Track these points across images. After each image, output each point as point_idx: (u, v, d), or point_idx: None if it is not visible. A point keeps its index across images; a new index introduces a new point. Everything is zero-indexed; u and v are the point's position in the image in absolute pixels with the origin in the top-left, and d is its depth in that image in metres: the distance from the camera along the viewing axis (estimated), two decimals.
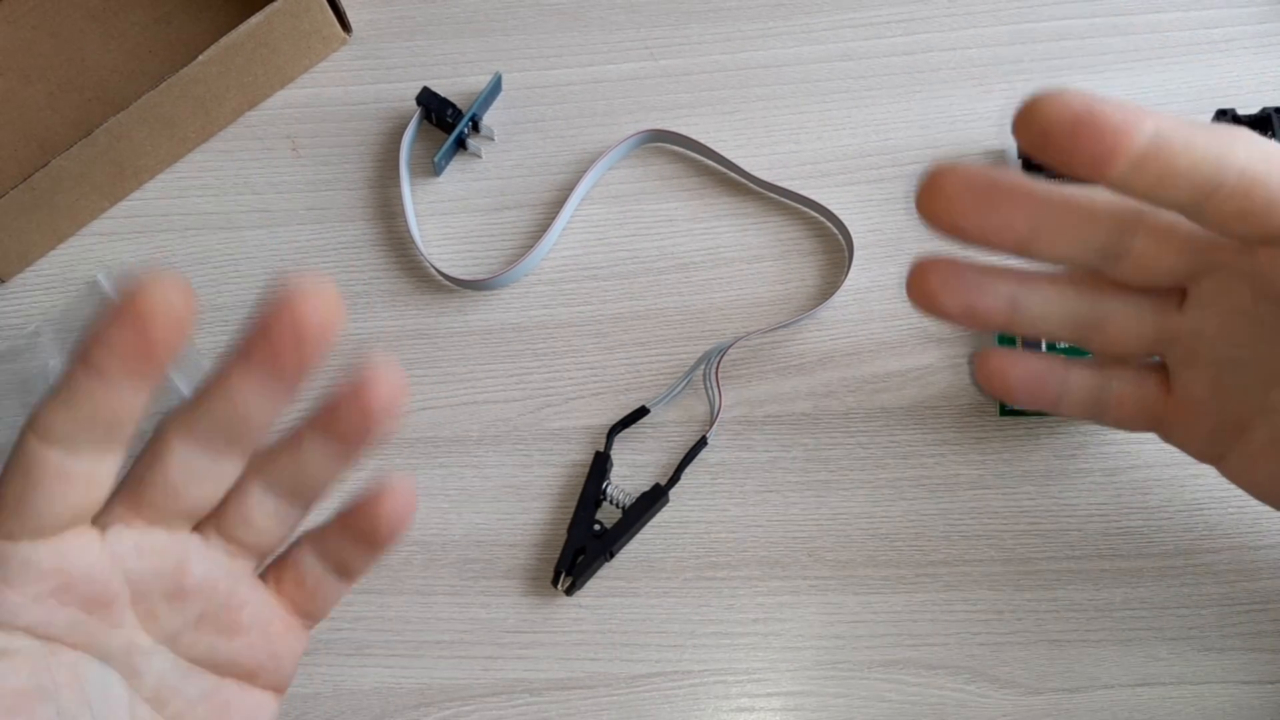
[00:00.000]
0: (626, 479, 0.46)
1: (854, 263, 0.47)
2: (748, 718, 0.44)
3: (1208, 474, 0.44)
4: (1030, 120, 0.27)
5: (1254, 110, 0.45)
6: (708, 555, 0.45)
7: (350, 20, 0.51)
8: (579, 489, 0.45)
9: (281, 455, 0.29)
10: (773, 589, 0.44)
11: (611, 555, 0.45)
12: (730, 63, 0.50)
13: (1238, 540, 0.44)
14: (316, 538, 0.32)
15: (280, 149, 0.51)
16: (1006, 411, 0.45)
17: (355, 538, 0.31)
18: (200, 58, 0.47)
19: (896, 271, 0.47)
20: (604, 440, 0.46)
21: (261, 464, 0.29)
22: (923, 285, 0.33)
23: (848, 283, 0.47)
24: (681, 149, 0.49)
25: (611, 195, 0.49)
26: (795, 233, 0.48)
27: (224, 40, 0.47)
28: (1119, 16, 0.49)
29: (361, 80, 0.51)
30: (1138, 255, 0.31)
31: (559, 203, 0.49)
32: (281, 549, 0.32)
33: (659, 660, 0.44)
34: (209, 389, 0.27)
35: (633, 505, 0.44)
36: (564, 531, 0.45)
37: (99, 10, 0.52)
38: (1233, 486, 0.44)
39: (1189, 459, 0.44)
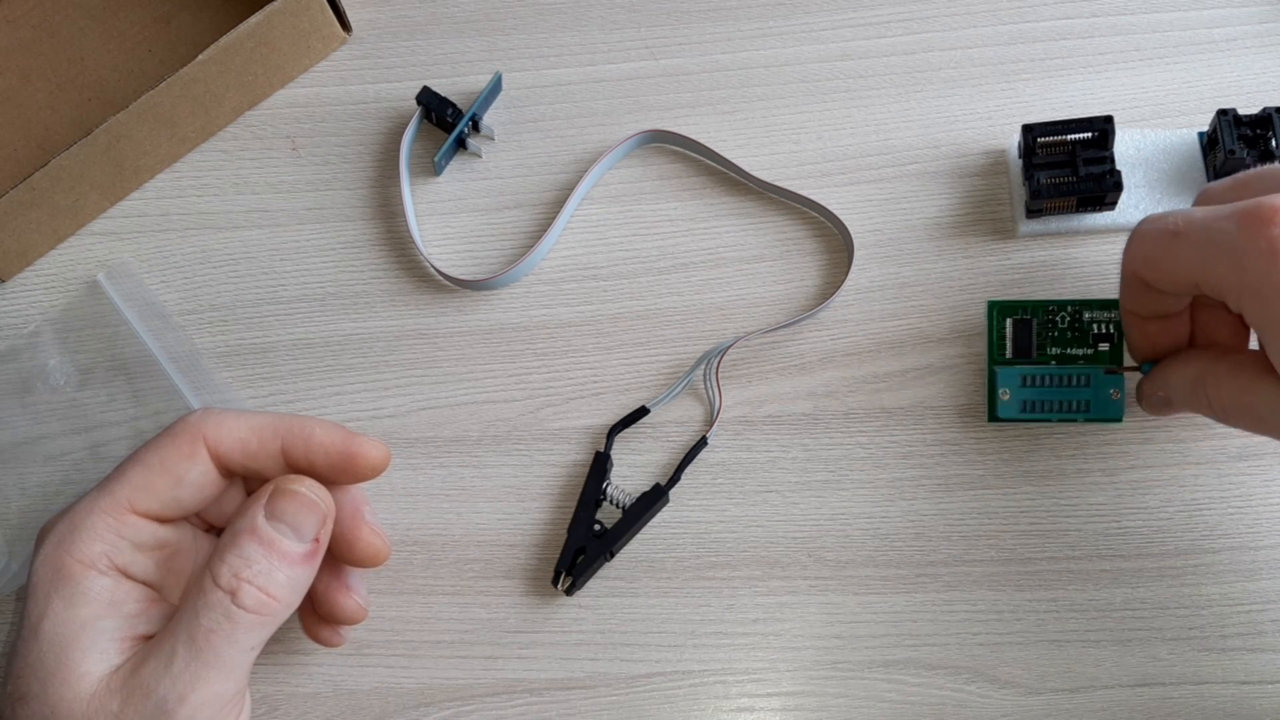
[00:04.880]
0: (626, 479, 0.46)
1: (854, 263, 0.47)
2: (748, 718, 0.44)
3: (1208, 474, 0.44)
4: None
5: (1254, 110, 0.45)
6: (708, 555, 0.45)
7: (350, 20, 0.51)
8: (579, 489, 0.45)
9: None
10: (773, 589, 0.44)
11: (611, 555, 0.45)
12: (730, 63, 0.50)
13: (1238, 540, 0.44)
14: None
15: (280, 148, 0.51)
16: (995, 418, 0.44)
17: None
18: (200, 57, 0.47)
19: (896, 271, 0.47)
20: (604, 440, 0.46)
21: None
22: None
23: (848, 283, 0.47)
24: (681, 149, 0.49)
25: (611, 195, 0.49)
26: (795, 233, 0.48)
27: (224, 39, 0.47)
28: (1119, 16, 0.49)
29: (361, 80, 0.51)
30: None
31: (559, 203, 0.49)
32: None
33: (659, 660, 0.44)
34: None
35: (633, 505, 0.44)
36: (564, 531, 0.45)
37: (99, 10, 0.52)
38: (1233, 486, 0.44)
39: (1189, 459, 0.44)
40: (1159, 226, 0.37)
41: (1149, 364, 0.42)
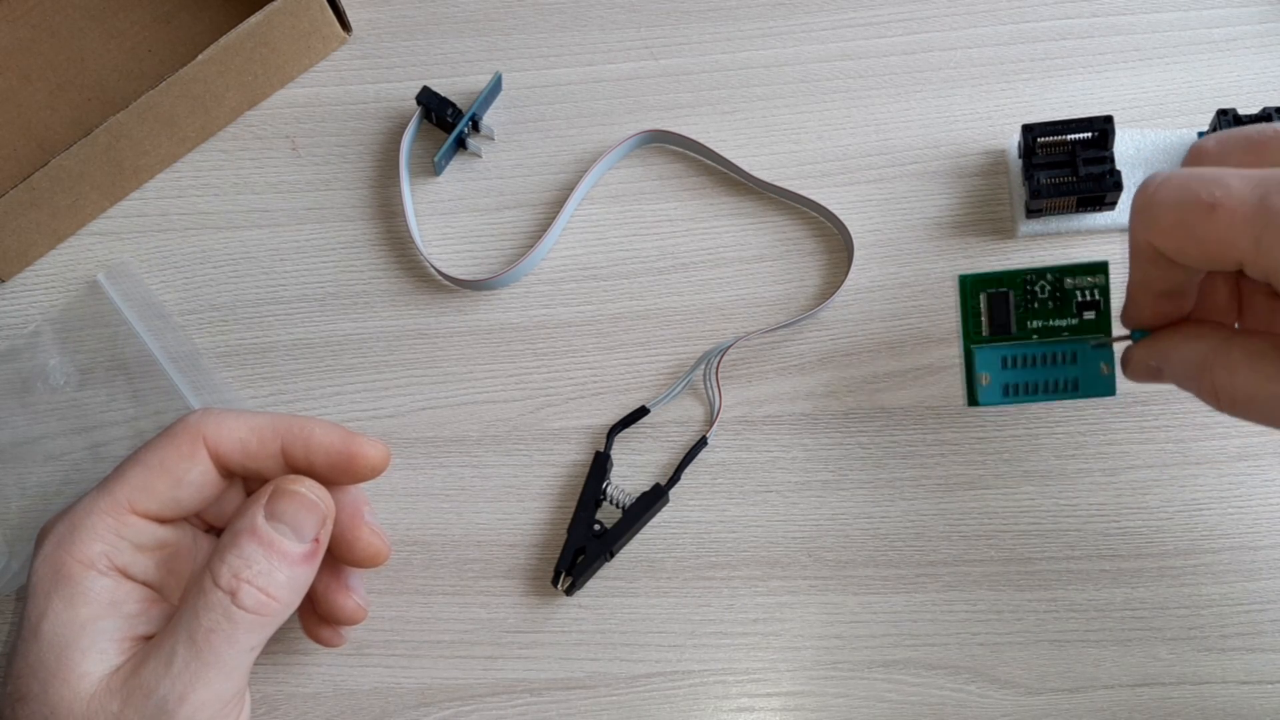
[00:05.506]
0: (626, 479, 0.46)
1: (854, 263, 0.47)
2: (748, 718, 0.44)
3: (1208, 474, 0.44)
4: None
5: (1254, 110, 0.45)
6: (708, 555, 0.45)
7: (350, 19, 0.51)
8: (579, 489, 0.45)
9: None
10: (773, 589, 0.44)
11: (611, 555, 0.45)
12: (730, 63, 0.50)
13: (1238, 540, 0.44)
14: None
15: (280, 148, 0.51)
16: (974, 403, 0.41)
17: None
18: (200, 57, 0.47)
19: (896, 271, 0.47)
20: (604, 440, 0.46)
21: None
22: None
23: (848, 283, 0.47)
24: (681, 149, 0.49)
25: (611, 195, 0.49)
26: (795, 233, 0.48)
27: (224, 39, 0.47)
28: (1119, 16, 0.49)
29: (361, 80, 0.51)
30: None
31: (559, 203, 0.49)
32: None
33: (659, 660, 0.44)
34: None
35: (633, 505, 0.44)
36: (564, 531, 0.45)
37: (99, 10, 0.52)
38: (1232, 486, 0.44)
39: (1189, 458, 0.44)
40: (1186, 195, 0.32)
41: (1140, 332, 0.38)
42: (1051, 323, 0.41)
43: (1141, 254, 0.35)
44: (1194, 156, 0.35)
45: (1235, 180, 0.32)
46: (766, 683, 0.44)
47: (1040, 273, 0.40)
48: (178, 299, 0.49)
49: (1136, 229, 0.34)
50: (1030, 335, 0.41)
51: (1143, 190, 0.34)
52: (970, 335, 0.41)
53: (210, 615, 0.35)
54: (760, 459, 0.46)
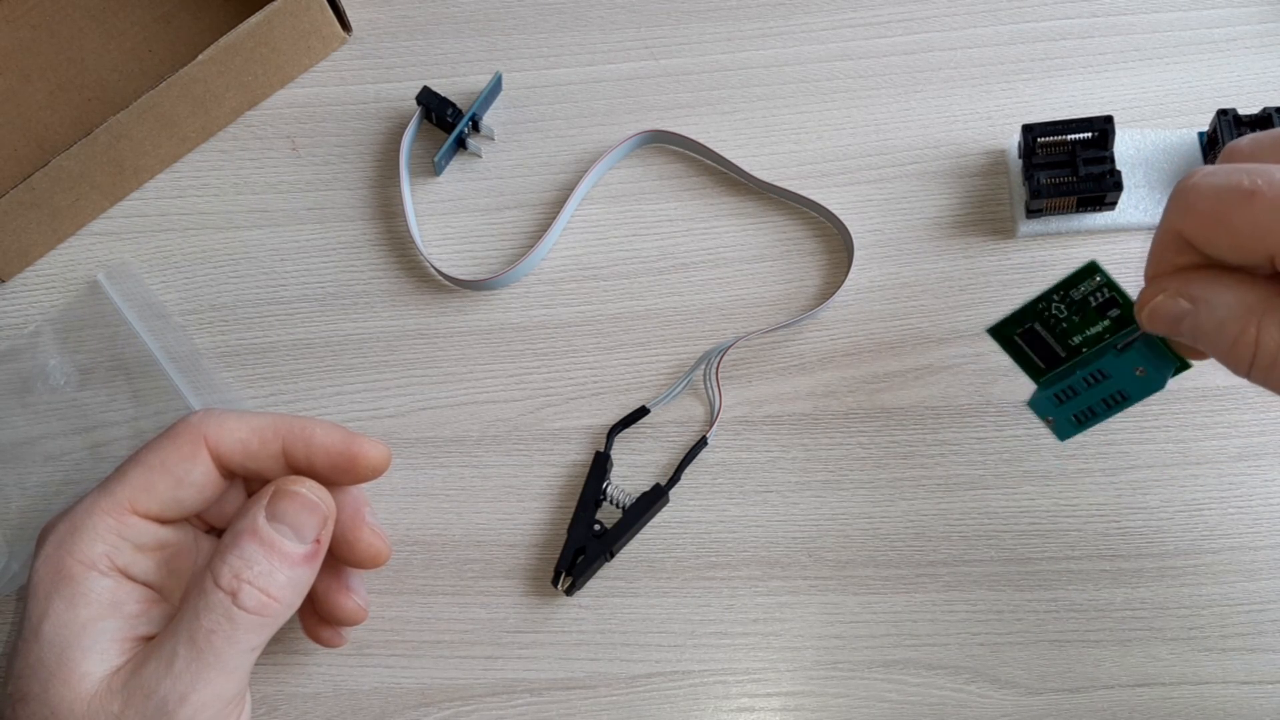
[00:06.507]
0: (626, 479, 0.46)
1: (854, 263, 0.47)
2: (748, 718, 0.44)
3: (1208, 474, 0.44)
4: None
5: (1254, 110, 0.45)
6: (708, 555, 0.45)
7: (350, 20, 0.51)
8: (579, 489, 0.45)
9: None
10: (773, 589, 0.44)
11: (611, 555, 0.45)
12: (730, 63, 0.50)
13: (1238, 540, 0.44)
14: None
15: (280, 149, 0.51)
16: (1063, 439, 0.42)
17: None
18: (200, 57, 0.47)
19: (896, 271, 0.47)
20: (604, 440, 0.46)
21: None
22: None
23: (848, 283, 0.47)
24: (681, 149, 0.49)
25: (611, 195, 0.49)
26: (795, 233, 0.48)
27: (224, 39, 0.47)
28: (1119, 16, 0.49)
29: (361, 80, 0.51)
30: None
31: (559, 203, 0.49)
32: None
33: (659, 660, 0.44)
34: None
35: (633, 505, 0.44)
36: (564, 531, 0.45)
37: (99, 10, 0.52)
38: (1232, 486, 0.44)
39: (1189, 458, 0.44)
40: (1225, 181, 0.31)
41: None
42: (1089, 332, 0.40)
43: (1165, 244, 0.34)
44: (1226, 156, 0.34)
45: (1279, 173, 0.31)
46: (766, 683, 0.44)
47: (1046, 297, 0.41)
48: (178, 299, 0.49)
49: (1169, 215, 0.33)
50: (1080, 349, 0.41)
51: (1184, 179, 0.33)
52: (1035, 378, 0.42)
53: (211, 616, 0.35)
54: (760, 459, 0.46)
